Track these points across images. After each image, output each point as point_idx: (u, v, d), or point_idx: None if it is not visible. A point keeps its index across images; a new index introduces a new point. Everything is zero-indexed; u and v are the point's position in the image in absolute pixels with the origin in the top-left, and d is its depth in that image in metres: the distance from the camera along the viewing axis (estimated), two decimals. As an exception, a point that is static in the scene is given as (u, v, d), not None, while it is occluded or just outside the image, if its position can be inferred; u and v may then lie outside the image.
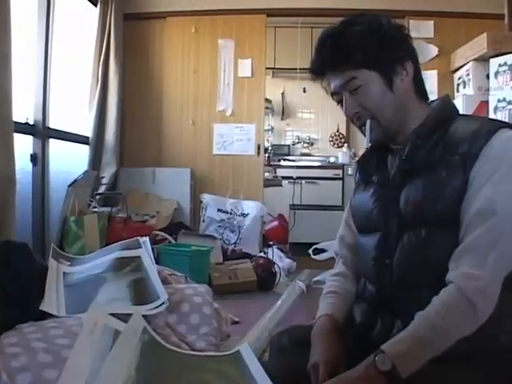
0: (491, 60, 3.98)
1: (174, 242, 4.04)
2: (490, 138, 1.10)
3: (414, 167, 1.19)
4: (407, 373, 0.99)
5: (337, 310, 1.35)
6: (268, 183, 5.20)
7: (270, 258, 4.12)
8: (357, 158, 1.43)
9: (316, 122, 7.19)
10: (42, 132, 3.64)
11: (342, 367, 1.15)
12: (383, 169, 1.31)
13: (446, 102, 1.29)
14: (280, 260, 4.30)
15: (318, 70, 1.27)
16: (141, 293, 1.78)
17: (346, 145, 6.88)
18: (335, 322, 1.32)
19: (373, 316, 1.23)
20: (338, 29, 1.23)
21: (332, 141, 7.09)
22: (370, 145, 1.29)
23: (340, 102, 1.27)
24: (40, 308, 1.67)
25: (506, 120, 3.56)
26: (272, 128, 7.15)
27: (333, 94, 1.28)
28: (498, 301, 1.05)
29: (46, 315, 1.64)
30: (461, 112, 1.30)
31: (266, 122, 6.05)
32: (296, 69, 5.69)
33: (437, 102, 1.28)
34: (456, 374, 1.05)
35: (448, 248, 1.09)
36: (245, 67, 4.97)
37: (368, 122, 1.24)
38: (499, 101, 3.84)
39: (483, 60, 4.10)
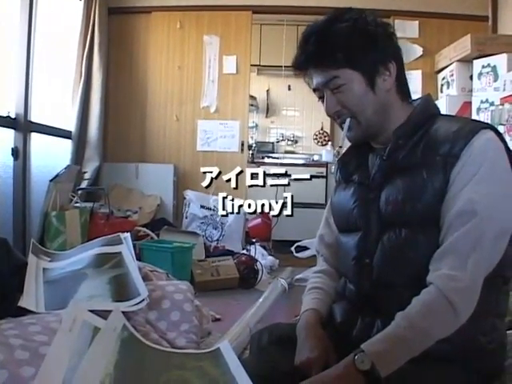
0: (475, 61, 4.01)
1: (156, 238, 4.03)
2: (472, 138, 1.10)
3: (395, 167, 1.19)
4: (387, 372, 0.99)
5: (321, 305, 1.35)
6: (251, 180, 5.19)
7: (253, 255, 4.13)
8: (340, 156, 1.43)
9: (300, 120, 7.20)
10: (23, 126, 3.61)
11: (332, 362, 1.15)
12: (364, 168, 1.30)
13: (428, 102, 1.28)
14: (262, 257, 4.31)
15: (301, 65, 1.26)
16: (121, 289, 1.77)
17: (329, 143, 6.89)
18: (320, 316, 1.32)
19: (353, 315, 1.23)
20: (323, 26, 1.21)
21: (316, 139, 7.10)
22: (343, 144, 1.28)
23: (322, 97, 1.27)
24: (18, 304, 1.65)
25: (489, 121, 3.60)
26: (256, 125, 7.14)
27: (315, 90, 1.28)
28: (477, 301, 1.05)
29: (24, 311, 1.62)
30: (444, 112, 1.30)
31: (250, 119, 6.04)
32: (281, 66, 5.70)
33: (418, 102, 1.28)
34: (435, 374, 1.06)
35: (428, 248, 1.10)
36: (230, 64, 4.96)
37: (347, 120, 1.23)
38: (482, 102, 3.87)
39: (467, 61, 4.14)
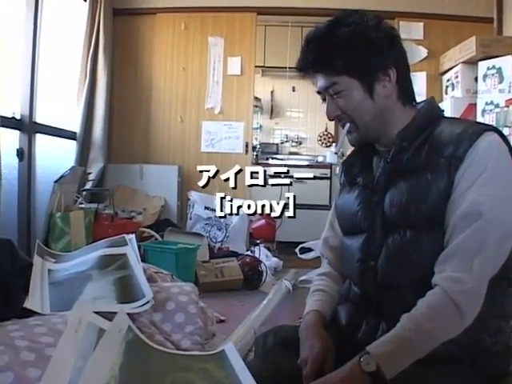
0: (480, 63, 4.01)
1: (160, 239, 4.03)
2: (475, 140, 1.10)
3: (399, 170, 1.19)
4: (392, 374, 0.99)
5: (324, 306, 1.35)
6: (256, 182, 5.19)
7: (257, 256, 4.12)
8: (344, 158, 1.44)
9: (305, 121, 7.19)
10: (28, 127, 3.62)
11: (328, 362, 1.16)
12: (368, 170, 1.30)
13: (432, 105, 1.28)
14: (267, 259, 4.30)
15: (303, 69, 1.27)
16: (126, 291, 1.77)
17: (334, 144, 6.88)
18: (322, 317, 1.32)
19: (358, 317, 1.23)
20: (323, 31, 1.22)
21: (320, 140, 7.09)
22: (339, 151, 1.29)
23: (324, 100, 1.27)
24: (24, 305, 1.66)
25: (494, 123, 3.59)
26: (260, 126, 7.14)
27: (318, 93, 1.29)
28: (482, 303, 1.05)
29: (29, 313, 1.63)
30: (449, 115, 1.31)
31: (254, 121, 6.03)
32: (286, 67, 5.70)
33: (422, 105, 1.28)
34: (441, 375, 1.06)
35: (433, 250, 1.10)
36: (234, 65, 4.97)
37: (347, 125, 1.24)
38: (487, 104, 3.87)
39: (472, 63, 4.14)
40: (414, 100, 1.29)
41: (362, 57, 1.18)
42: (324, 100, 1.28)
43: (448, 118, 1.29)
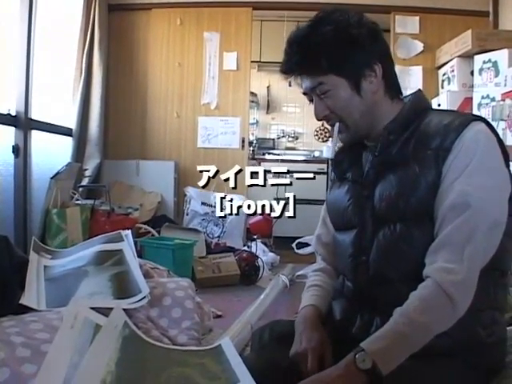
0: (475, 57, 4.01)
1: (157, 235, 4.03)
2: (462, 131, 1.10)
3: (388, 163, 1.19)
4: (388, 370, 0.98)
5: (320, 301, 1.36)
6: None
7: (254, 251, 4.13)
8: (334, 154, 1.44)
9: (301, 116, 7.18)
10: (24, 123, 3.60)
11: (328, 355, 1.17)
12: (358, 165, 1.30)
13: (419, 97, 1.28)
14: (263, 254, 4.30)
15: (288, 71, 1.27)
16: (122, 286, 1.77)
17: (330, 139, 6.87)
18: (319, 312, 1.33)
19: (352, 313, 1.24)
20: (305, 31, 1.21)
21: (317, 135, 7.07)
22: (337, 146, 1.30)
23: (311, 101, 1.28)
24: (20, 302, 1.66)
25: (490, 117, 3.59)
26: (257, 121, 7.13)
27: (305, 94, 1.29)
28: (475, 294, 1.05)
29: (26, 309, 1.63)
30: (445, 108, 1.30)
31: (250, 116, 6.03)
32: (282, 63, 5.69)
33: (409, 98, 1.28)
34: (435, 370, 1.06)
35: (423, 243, 1.10)
36: (230, 60, 4.96)
37: (337, 125, 1.25)
38: (483, 97, 3.87)
39: (468, 57, 4.14)
40: (401, 93, 1.29)
41: (347, 54, 1.18)
42: (311, 101, 1.28)
43: (435, 109, 1.30)
